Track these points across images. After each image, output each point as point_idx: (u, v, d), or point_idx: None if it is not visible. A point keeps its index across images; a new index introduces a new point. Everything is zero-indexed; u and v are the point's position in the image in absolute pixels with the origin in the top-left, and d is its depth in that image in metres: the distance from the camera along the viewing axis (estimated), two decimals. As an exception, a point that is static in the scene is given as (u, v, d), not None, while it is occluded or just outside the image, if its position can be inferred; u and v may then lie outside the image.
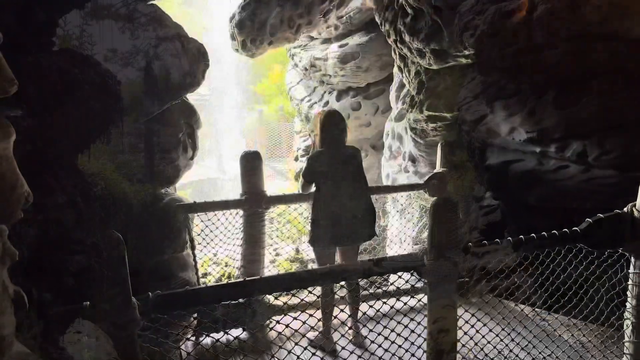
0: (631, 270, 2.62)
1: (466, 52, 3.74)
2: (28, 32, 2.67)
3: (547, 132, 5.21)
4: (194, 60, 3.31)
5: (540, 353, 2.72)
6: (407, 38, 4.03)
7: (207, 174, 14.89)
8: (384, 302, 2.47)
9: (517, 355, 2.65)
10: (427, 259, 2.18)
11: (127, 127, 3.22)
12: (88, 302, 1.83)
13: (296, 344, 2.13)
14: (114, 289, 1.78)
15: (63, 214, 2.83)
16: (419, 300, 2.38)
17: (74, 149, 2.99)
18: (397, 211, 5.00)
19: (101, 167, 3.15)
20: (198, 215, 3.75)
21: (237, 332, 3.38)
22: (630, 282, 2.64)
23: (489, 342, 2.56)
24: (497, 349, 2.58)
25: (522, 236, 2.42)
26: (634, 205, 2.60)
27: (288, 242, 7.54)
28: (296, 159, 9.47)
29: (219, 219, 3.82)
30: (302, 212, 4.37)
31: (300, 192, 3.70)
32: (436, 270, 2.16)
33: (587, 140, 5.05)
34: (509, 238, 2.40)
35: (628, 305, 2.66)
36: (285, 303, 2.68)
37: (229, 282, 2.00)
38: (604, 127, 4.96)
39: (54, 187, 2.62)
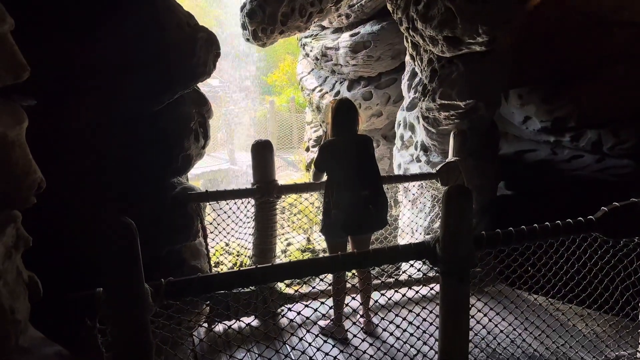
0: (649, 259, 2.59)
1: (480, 40, 3.68)
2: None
3: (561, 121, 5.18)
4: (204, 48, 3.30)
5: (553, 343, 2.69)
6: (419, 25, 3.98)
7: (219, 165, 14.97)
8: (396, 291, 2.46)
9: (529, 345, 2.64)
10: (439, 247, 2.16)
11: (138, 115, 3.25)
12: (101, 289, 1.85)
13: (308, 331, 2.13)
14: (126, 275, 1.79)
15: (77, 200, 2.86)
16: (431, 289, 2.36)
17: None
18: (409, 201, 4.97)
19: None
20: (210, 204, 3.76)
21: (248, 319, 3.41)
22: (646, 271, 2.61)
23: (501, 332, 2.55)
24: (510, 338, 2.57)
25: (536, 224, 2.38)
26: (651, 194, 2.56)
27: (299, 231, 7.55)
28: (307, 149, 9.46)
29: (230, 208, 3.84)
30: (314, 201, 4.37)
31: (312, 181, 3.70)
32: (449, 259, 2.14)
33: (602, 130, 5.01)
34: (523, 227, 2.37)
35: (644, 295, 2.63)
36: (296, 290, 2.69)
37: (241, 269, 2.01)
38: (619, 116, 4.90)
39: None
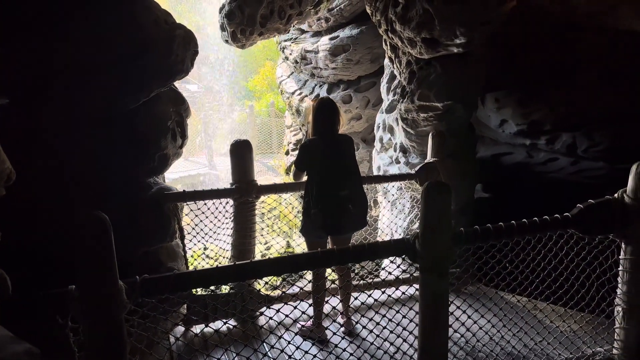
0: (621, 256, 2.63)
1: (457, 41, 3.72)
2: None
3: (537, 124, 5.24)
4: (182, 46, 3.25)
5: (531, 339, 2.71)
6: (398, 27, 4.00)
7: (198, 170, 14.85)
8: (377, 288, 2.45)
9: (508, 342, 2.65)
10: (419, 243, 2.15)
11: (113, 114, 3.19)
12: (73, 286, 1.79)
13: (287, 329, 2.10)
14: (100, 271, 1.74)
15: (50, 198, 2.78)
16: (411, 285, 2.36)
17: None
18: (389, 201, 4.99)
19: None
20: (187, 205, 3.70)
21: (226, 320, 3.35)
22: (620, 267, 2.64)
23: (480, 328, 2.55)
24: (489, 335, 2.57)
25: (513, 221, 2.41)
26: (625, 191, 2.60)
27: (279, 232, 7.50)
28: (287, 153, 9.44)
29: (209, 209, 3.78)
30: (293, 201, 4.35)
31: (293, 180, 3.68)
32: (428, 254, 2.14)
33: (577, 133, 5.09)
34: (501, 223, 2.39)
35: (618, 291, 2.66)
36: (276, 287, 2.66)
37: (219, 265, 1.97)
38: (593, 119, 5.00)
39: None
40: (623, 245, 2.63)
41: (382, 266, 4.69)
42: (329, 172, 3.35)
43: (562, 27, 4.87)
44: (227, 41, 5.48)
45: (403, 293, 2.40)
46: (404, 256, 2.26)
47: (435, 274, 2.18)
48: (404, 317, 2.33)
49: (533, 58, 5.12)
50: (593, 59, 4.89)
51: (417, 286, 2.26)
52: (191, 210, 3.72)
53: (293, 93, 8.32)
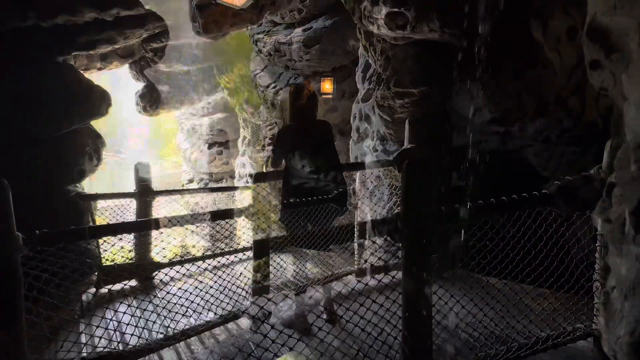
0: (598, 231, 2.66)
1: (432, 26, 3.72)
2: None
3: (510, 112, 5.29)
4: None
5: (514, 317, 2.73)
6: (372, 14, 3.98)
7: (174, 170, 14.64)
8: (359, 275, 2.43)
9: (491, 319, 2.66)
10: (400, 221, 2.13)
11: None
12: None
13: (269, 313, 2.06)
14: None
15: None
16: (389, 273, 2.34)
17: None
18: (367, 188, 4.98)
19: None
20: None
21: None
22: (597, 243, 2.67)
23: (463, 307, 2.56)
24: (472, 314, 2.58)
25: (493, 199, 2.41)
26: (600, 168, 2.63)
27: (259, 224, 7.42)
28: (263, 147, 9.36)
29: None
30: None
31: (271, 168, 3.62)
32: (410, 233, 2.12)
33: (549, 118, 5.16)
34: (481, 202, 2.39)
35: (597, 267, 2.70)
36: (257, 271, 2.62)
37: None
38: (564, 104, 5.06)
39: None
40: (599, 221, 2.66)
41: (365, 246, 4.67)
42: (307, 158, 3.30)
43: (533, 13, 4.90)
44: (198, 33, 5.39)
45: (386, 274, 2.39)
46: (386, 237, 2.24)
47: (418, 252, 2.16)
48: (387, 297, 2.31)
49: (505, 45, 5.15)
50: (564, 46, 4.94)
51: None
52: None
53: (268, 86, 8.24)
